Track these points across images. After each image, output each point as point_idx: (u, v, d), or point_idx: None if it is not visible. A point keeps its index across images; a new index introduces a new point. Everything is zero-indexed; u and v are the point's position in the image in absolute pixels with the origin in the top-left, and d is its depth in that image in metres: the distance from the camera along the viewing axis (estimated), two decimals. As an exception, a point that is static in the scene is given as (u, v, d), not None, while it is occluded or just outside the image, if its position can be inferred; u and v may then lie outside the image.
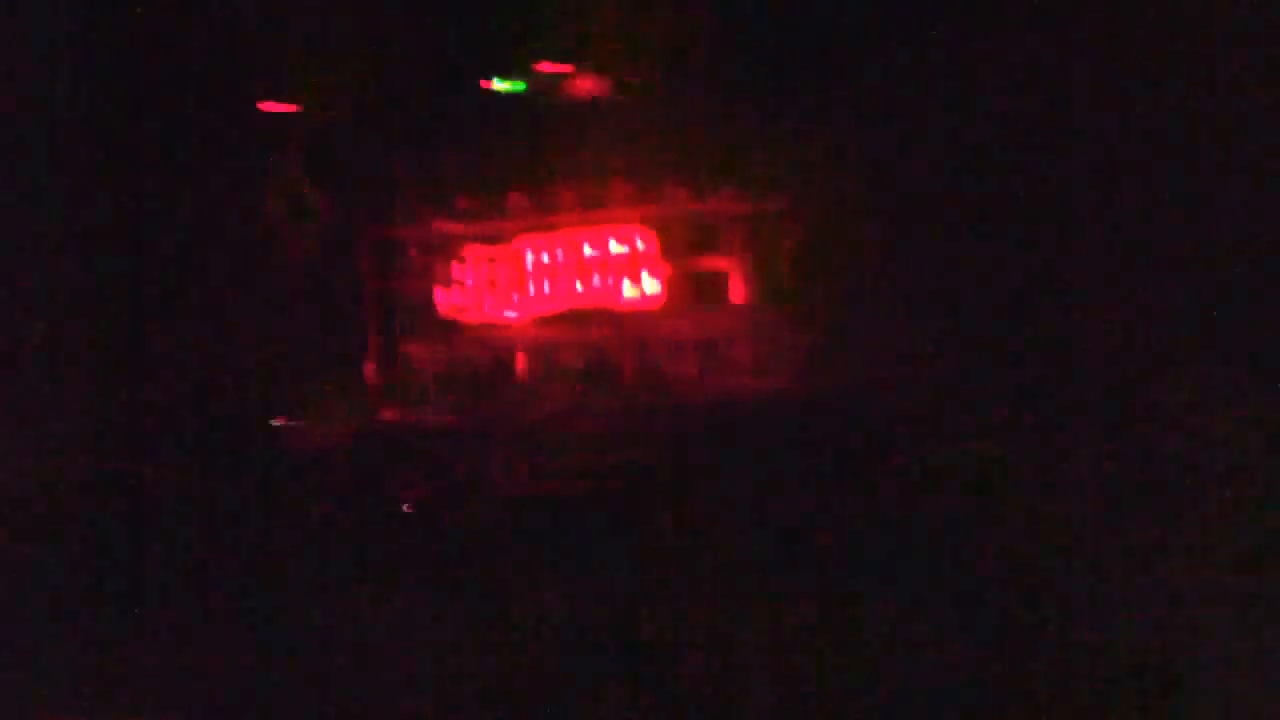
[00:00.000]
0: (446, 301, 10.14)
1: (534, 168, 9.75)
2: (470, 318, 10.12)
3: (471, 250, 10.12)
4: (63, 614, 7.12)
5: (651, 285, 9.64)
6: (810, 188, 8.78)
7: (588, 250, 9.78)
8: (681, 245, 9.65)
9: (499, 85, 8.90)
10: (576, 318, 9.80)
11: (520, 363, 10.02)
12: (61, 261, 8.33)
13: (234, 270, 9.28)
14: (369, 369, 10.07)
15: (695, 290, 9.62)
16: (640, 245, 9.70)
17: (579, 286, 9.82)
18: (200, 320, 9.07)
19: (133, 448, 8.11)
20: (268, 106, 8.99)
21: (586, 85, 9.01)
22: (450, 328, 10.03)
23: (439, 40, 8.77)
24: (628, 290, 9.69)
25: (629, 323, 9.72)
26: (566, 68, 8.93)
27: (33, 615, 7.02)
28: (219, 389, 9.03)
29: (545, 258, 9.96)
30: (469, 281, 10.08)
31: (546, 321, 9.96)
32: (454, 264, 10.12)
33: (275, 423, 9.44)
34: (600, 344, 9.66)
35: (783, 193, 9.00)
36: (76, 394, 8.26)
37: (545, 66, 8.90)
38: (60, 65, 8.04)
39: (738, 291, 9.48)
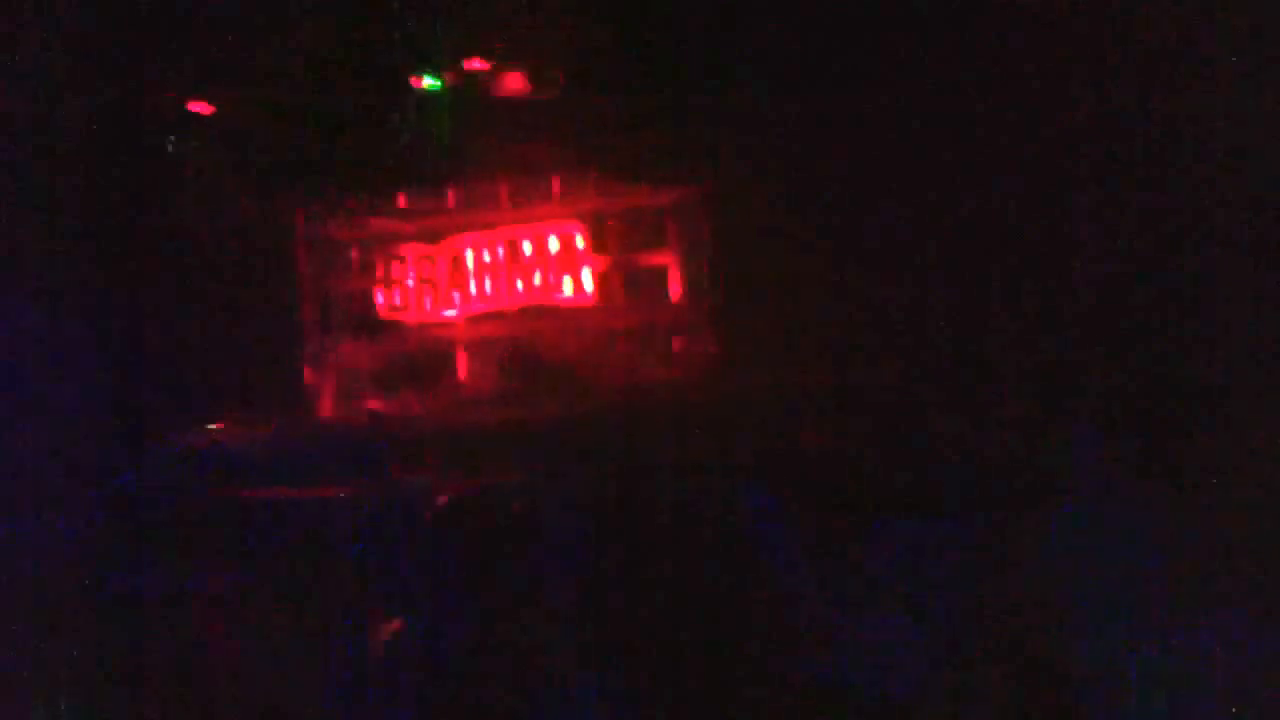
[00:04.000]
0: (385, 301, 10.04)
1: (471, 165, 9.65)
2: (409, 317, 10.03)
3: (409, 249, 10.02)
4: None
5: (590, 282, 9.54)
6: (751, 177, 8.66)
7: (526, 248, 9.69)
8: (619, 241, 9.56)
9: (429, 81, 8.78)
10: (515, 315, 9.70)
11: (459, 361, 9.92)
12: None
13: (165, 272, 9.17)
14: (305, 369, 9.98)
15: (634, 286, 9.52)
16: (579, 241, 9.60)
17: (519, 284, 9.73)
18: (130, 322, 8.96)
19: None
20: (194, 106, 8.88)
21: (519, 80, 8.91)
22: (388, 327, 9.93)
23: (372, 36, 8.68)
24: (567, 287, 9.59)
25: (568, 320, 9.62)
26: (498, 63, 8.83)
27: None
28: (149, 392, 8.91)
29: (486, 256, 9.86)
30: (408, 280, 9.99)
31: (485, 319, 9.86)
32: (392, 263, 10.02)
33: (211, 426, 9.35)
34: (539, 341, 9.56)
35: (720, 182, 8.88)
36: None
37: (476, 62, 8.80)
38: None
39: (676, 287, 9.38)
